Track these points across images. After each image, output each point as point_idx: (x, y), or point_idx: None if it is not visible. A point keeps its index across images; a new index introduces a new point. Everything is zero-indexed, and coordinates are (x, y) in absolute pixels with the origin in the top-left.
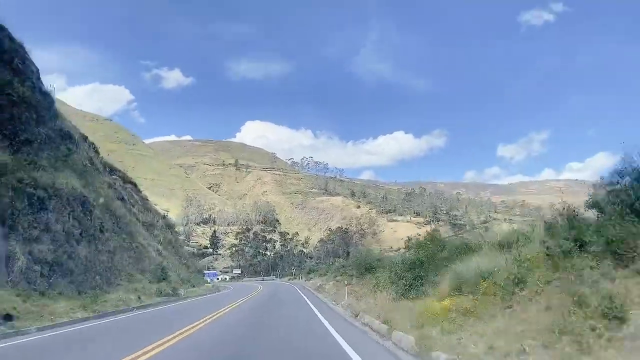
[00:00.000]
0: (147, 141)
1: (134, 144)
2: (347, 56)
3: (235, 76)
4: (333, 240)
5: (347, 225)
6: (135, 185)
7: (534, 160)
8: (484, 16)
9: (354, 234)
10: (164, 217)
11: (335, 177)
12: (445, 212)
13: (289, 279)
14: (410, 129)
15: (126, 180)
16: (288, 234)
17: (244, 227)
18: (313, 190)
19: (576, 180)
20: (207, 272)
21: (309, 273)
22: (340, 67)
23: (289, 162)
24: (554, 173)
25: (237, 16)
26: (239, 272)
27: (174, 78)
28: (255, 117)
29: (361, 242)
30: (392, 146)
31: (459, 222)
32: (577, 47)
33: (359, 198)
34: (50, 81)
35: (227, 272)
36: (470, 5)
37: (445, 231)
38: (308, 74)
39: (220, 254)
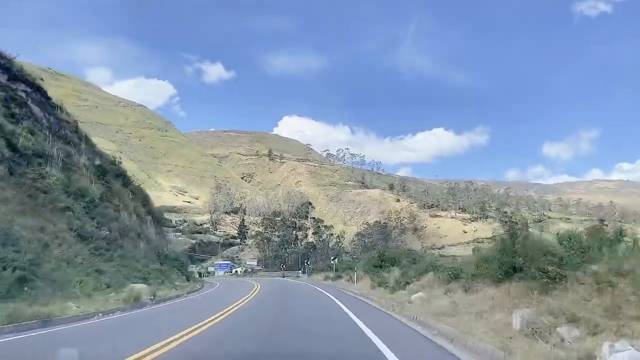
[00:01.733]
0: (182, 132)
1: (166, 131)
2: (386, 50)
3: (273, 70)
4: (371, 235)
5: (385, 219)
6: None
7: (581, 159)
8: (532, 6)
9: (393, 228)
10: (115, 163)
11: (372, 170)
12: (494, 208)
13: (323, 278)
14: (451, 126)
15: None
16: (322, 221)
17: (272, 212)
18: (349, 182)
19: (627, 180)
20: (221, 262)
21: (336, 271)
22: (379, 61)
23: (324, 154)
24: (602, 173)
25: (276, 9)
26: (255, 264)
27: (215, 72)
28: (292, 112)
29: (401, 238)
30: (431, 143)
31: (511, 219)
32: (632, 40)
33: (398, 191)
34: (97, 74)
35: (251, 264)
36: None
37: (495, 228)
38: (346, 68)
39: (247, 245)
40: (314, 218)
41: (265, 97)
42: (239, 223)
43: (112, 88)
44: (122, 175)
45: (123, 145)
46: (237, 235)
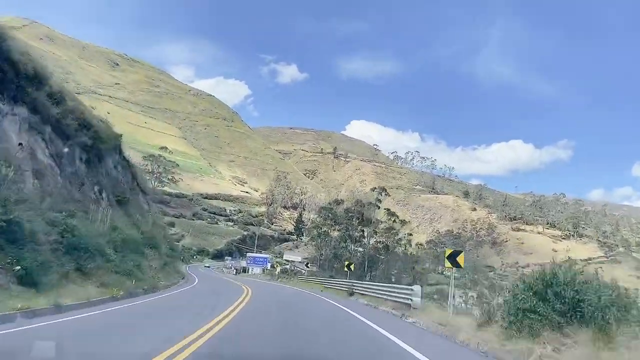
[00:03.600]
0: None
1: (232, 121)
2: (466, 56)
3: (345, 74)
4: (444, 244)
5: (459, 228)
6: None
7: None
8: (635, 11)
9: (468, 240)
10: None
11: (444, 176)
12: (588, 226)
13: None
14: (530, 138)
15: None
16: (397, 215)
17: (334, 200)
18: (417, 187)
19: None
20: (255, 256)
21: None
22: (457, 67)
23: (391, 156)
24: None
25: (353, 12)
26: (300, 261)
27: (289, 73)
28: (361, 116)
29: (476, 251)
30: (506, 155)
31: (609, 240)
32: None
33: (475, 200)
34: (180, 71)
35: (293, 259)
36: None
37: (592, 250)
38: (420, 73)
39: (303, 241)
40: (387, 210)
41: (335, 100)
42: (296, 218)
43: (194, 85)
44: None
45: (188, 132)
46: (293, 231)
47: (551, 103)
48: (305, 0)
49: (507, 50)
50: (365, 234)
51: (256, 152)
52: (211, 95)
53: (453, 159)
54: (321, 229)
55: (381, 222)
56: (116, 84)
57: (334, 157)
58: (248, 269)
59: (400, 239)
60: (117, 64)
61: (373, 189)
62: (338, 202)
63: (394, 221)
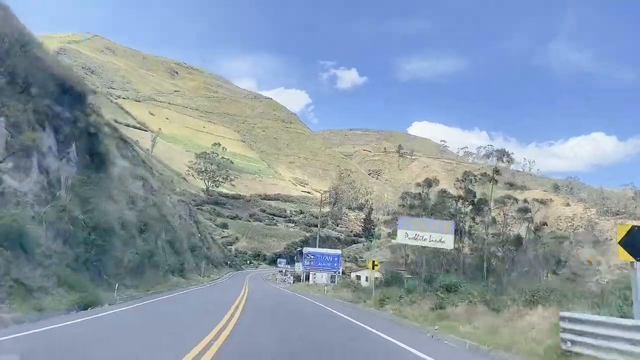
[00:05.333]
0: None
1: (291, 122)
2: (535, 48)
3: (405, 75)
4: (546, 244)
5: (553, 226)
6: None
7: None
8: None
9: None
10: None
11: (522, 171)
12: None
13: None
14: (613, 130)
15: None
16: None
17: (424, 179)
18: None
19: None
20: (318, 251)
21: None
22: (526, 60)
23: (460, 152)
24: None
25: (413, 11)
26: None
27: (349, 78)
28: (423, 117)
29: (573, 252)
30: (588, 149)
31: None
32: None
33: (566, 194)
34: (242, 84)
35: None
36: None
37: None
38: (486, 69)
39: (373, 243)
40: (510, 184)
41: (396, 102)
42: (364, 218)
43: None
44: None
45: (247, 134)
46: (361, 232)
47: (635, 90)
48: (363, 3)
49: (582, 37)
50: (486, 219)
51: (316, 153)
52: (269, 98)
53: (526, 155)
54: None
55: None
56: (175, 91)
57: (399, 156)
58: (307, 275)
59: (537, 228)
60: (177, 72)
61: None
62: (430, 184)
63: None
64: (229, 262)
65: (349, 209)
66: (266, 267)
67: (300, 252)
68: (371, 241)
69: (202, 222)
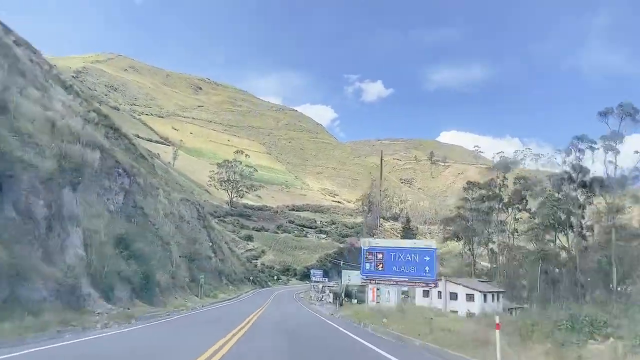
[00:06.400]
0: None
1: (317, 133)
2: (565, 51)
3: (432, 85)
4: None
5: None
6: None
7: None
8: None
9: None
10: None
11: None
12: None
13: None
14: None
15: None
16: None
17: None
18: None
19: None
20: (392, 246)
21: None
22: (556, 64)
23: (496, 158)
24: None
25: (438, 21)
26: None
27: (375, 91)
28: (451, 126)
29: None
30: (627, 152)
31: None
32: None
33: None
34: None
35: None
36: None
37: None
38: (516, 75)
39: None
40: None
41: (423, 112)
42: (403, 227)
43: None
44: None
45: (272, 147)
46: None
47: None
48: (387, 14)
49: (615, 38)
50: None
51: (345, 162)
52: (294, 109)
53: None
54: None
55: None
56: (199, 106)
57: (431, 163)
58: (350, 293)
59: None
60: (200, 88)
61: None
62: (507, 167)
63: None
64: (251, 278)
65: (383, 218)
66: (297, 283)
67: (336, 265)
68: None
69: (216, 228)
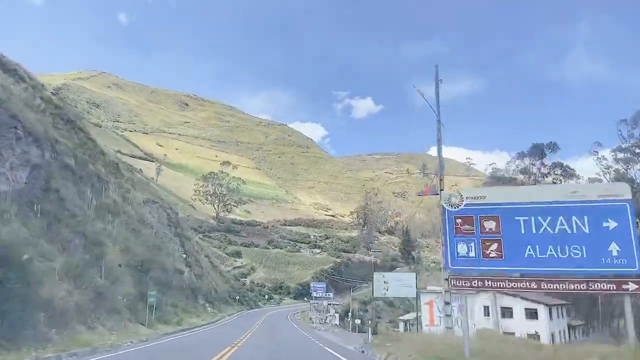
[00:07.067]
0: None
1: (307, 147)
2: (549, 61)
3: (421, 100)
4: None
5: None
6: None
7: None
8: None
9: None
10: None
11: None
12: None
13: None
14: None
15: None
16: None
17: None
18: None
19: None
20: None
21: None
22: (540, 74)
23: (489, 169)
24: None
25: (426, 35)
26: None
27: (364, 107)
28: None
29: None
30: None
31: None
32: None
33: None
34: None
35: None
36: None
37: None
38: (502, 87)
39: (421, 267)
40: None
41: (413, 127)
42: (403, 240)
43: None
44: None
45: (262, 162)
46: (401, 255)
47: None
48: (374, 30)
49: (595, 48)
50: None
51: (337, 177)
52: (283, 124)
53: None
54: None
55: None
56: (185, 122)
57: (424, 176)
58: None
59: None
60: (187, 104)
61: None
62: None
63: None
64: (237, 298)
65: (378, 232)
66: (291, 303)
67: (332, 282)
68: (416, 264)
69: (193, 239)
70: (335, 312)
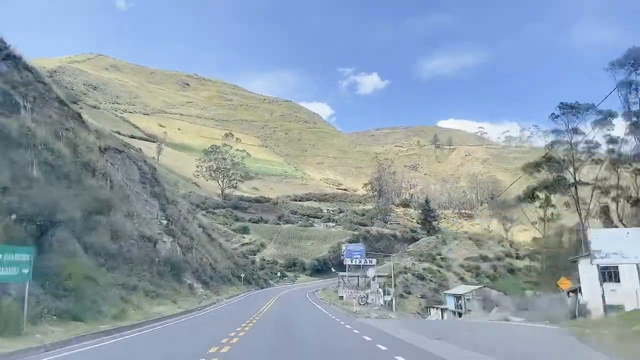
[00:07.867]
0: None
1: (315, 122)
2: (560, 30)
3: (426, 74)
4: None
5: None
6: None
7: None
8: None
9: None
10: None
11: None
12: None
13: None
14: None
15: None
16: None
17: None
18: None
19: None
20: None
21: None
22: (549, 44)
23: (501, 139)
24: None
25: (430, 8)
26: None
27: (370, 83)
28: (449, 115)
29: None
30: None
31: None
32: None
33: None
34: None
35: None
36: None
37: None
38: (511, 58)
39: (449, 236)
40: None
41: (420, 102)
42: (423, 210)
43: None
44: None
45: (268, 139)
46: (420, 226)
47: None
48: (378, 5)
49: (609, 14)
50: None
51: (346, 151)
52: (288, 100)
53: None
54: None
55: None
56: (187, 102)
57: (436, 147)
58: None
59: None
60: (188, 84)
61: None
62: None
63: None
64: (243, 276)
65: (393, 204)
66: (307, 280)
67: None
68: (441, 234)
69: (180, 202)
70: (379, 288)
